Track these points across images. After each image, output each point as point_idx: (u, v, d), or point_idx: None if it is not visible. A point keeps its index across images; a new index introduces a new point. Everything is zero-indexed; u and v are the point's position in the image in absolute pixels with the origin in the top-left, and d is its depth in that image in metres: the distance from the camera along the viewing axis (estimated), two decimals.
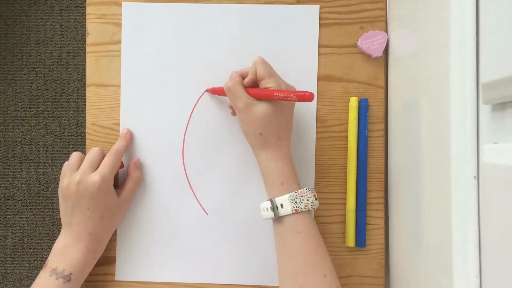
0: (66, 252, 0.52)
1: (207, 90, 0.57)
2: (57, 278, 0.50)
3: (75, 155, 0.54)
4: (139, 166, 0.57)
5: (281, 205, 0.47)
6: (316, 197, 0.49)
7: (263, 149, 0.49)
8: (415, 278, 0.46)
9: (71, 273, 0.50)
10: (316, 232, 0.48)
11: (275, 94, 0.47)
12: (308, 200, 0.47)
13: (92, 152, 0.54)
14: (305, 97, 0.46)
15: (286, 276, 0.46)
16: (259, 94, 0.49)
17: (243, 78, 0.52)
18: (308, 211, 0.47)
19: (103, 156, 0.54)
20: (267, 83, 0.49)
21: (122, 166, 0.57)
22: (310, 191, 0.48)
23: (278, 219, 0.48)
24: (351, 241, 0.56)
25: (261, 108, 0.48)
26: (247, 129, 0.50)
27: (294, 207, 0.46)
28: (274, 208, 0.47)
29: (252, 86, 0.51)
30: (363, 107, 0.56)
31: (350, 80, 0.58)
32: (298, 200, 0.47)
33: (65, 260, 0.51)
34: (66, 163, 0.55)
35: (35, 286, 0.50)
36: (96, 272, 0.58)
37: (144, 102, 0.58)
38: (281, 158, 0.49)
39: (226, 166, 0.58)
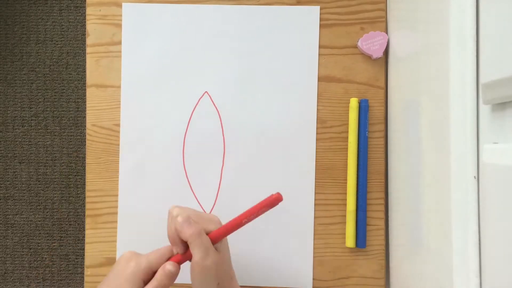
0: None
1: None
2: None
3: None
4: (168, 273, 0.45)
5: None
6: None
7: None
8: (415, 279, 0.46)
9: None
10: None
11: (243, 220, 0.43)
12: None
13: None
14: (274, 200, 0.42)
15: None
16: (225, 233, 0.43)
17: (171, 255, 0.45)
18: None
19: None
20: (209, 227, 0.43)
21: None
22: None
23: None
24: (351, 242, 0.56)
25: (219, 256, 0.43)
26: (207, 282, 0.43)
27: None
28: None
29: (184, 260, 0.44)
30: (364, 108, 0.56)
31: (350, 81, 0.58)
32: None
33: None
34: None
35: None
36: (97, 273, 0.58)
37: (144, 102, 0.58)
38: None
39: (226, 166, 0.58)
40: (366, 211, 0.56)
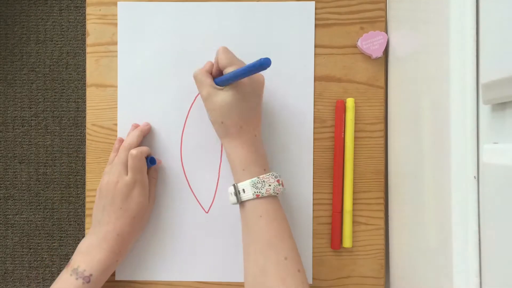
0: (90, 252, 0.51)
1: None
2: (77, 278, 0.49)
3: (122, 154, 0.54)
4: (158, 168, 0.58)
5: (243, 190, 0.48)
6: (281, 183, 0.49)
7: (225, 137, 0.50)
8: (415, 278, 0.46)
9: (91, 274, 0.50)
10: (278, 216, 0.48)
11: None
12: (270, 185, 0.48)
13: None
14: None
15: (249, 258, 0.47)
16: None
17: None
18: (270, 195, 0.48)
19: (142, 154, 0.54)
20: (228, 71, 0.49)
21: (155, 161, 0.56)
22: (273, 177, 0.48)
23: (242, 203, 0.49)
24: (348, 242, 0.56)
25: (222, 96, 0.49)
26: (210, 117, 0.51)
27: (255, 192, 0.47)
28: (236, 193, 0.48)
29: (219, 75, 0.52)
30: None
31: (350, 81, 0.58)
32: (259, 185, 0.47)
33: (87, 260, 0.51)
34: (111, 158, 0.56)
35: (56, 284, 0.50)
36: None
37: (141, 101, 0.58)
38: (243, 145, 0.49)
39: (224, 164, 0.58)
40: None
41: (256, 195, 0.47)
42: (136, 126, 0.58)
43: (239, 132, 0.49)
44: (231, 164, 0.50)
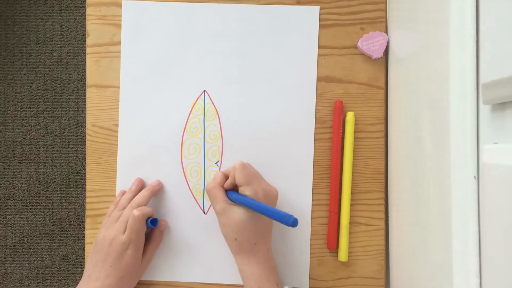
0: None
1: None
2: None
3: (127, 212, 0.54)
4: (163, 230, 0.57)
5: None
6: None
7: (238, 253, 0.50)
8: (416, 279, 0.46)
9: None
10: None
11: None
12: None
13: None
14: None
15: None
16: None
17: (226, 178, 0.52)
18: None
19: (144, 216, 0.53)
20: (245, 191, 0.49)
21: (157, 223, 0.55)
22: None
23: None
24: (343, 256, 0.56)
25: (237, 213, 0.49)
26: (223, 232, 0.51)
27: None
28: None
29: (234, 188, 0.52)
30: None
31: (350, 81, 0.58)
32: None
33: None
34: (110, 210, 0.56)
35: None
36: None
37: (143, 101, 0.58)
38: (257, 262, 0.50)
39: (224, 166, 0.58)
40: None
41: None
42: (140, 181, 0.57)
43: (252, 249, 0.50)
44: (244, 281, 0.50)
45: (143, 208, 0.53)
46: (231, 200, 0.50)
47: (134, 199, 0.55)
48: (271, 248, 0.52)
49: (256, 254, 0.50)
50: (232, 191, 0.51)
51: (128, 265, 0.52)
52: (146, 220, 0.54)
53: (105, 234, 0.52)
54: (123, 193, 0.57)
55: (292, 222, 0.44)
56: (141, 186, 0.57)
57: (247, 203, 0.48)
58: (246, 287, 0.50)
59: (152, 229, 0.56)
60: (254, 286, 0.49)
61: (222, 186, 0.51)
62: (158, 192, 0.57)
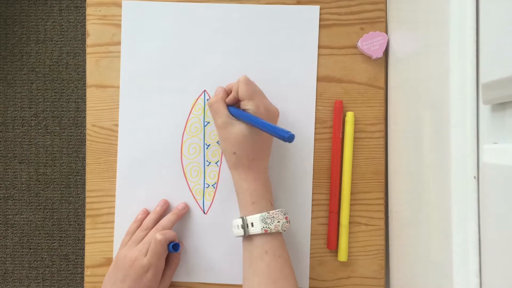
0: None
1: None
2: None
3: (147, 223, 0.55)
4: (179, 256, 0.57)
5: (252, 224, 0.48)
6: (288, 220, 0.49)
7: (236, 168, 0.50)
8: (415, 279, 0.46)
9: None
10: (283, 253, 0.49)
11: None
12: (278, 221, 0.48)
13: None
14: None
15: None
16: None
17: (228, 94, 0.52)
18: (278, 232, 0.48)
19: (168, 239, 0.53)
20: (246, 105, 0.49)
21: (178, 248, 0.54)
22: (282, 213, 0.49)
23: (247, 237, 0.49)
24: (343, 255, 0.56)
25: (237, 128, 0.49)
26: (223, 146, 0.51)
27: (263, 227, 0.47)
28: (244, 226, 0.48)
29: (235, 103, 0.52)
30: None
31: (350, 81, 0.58)
32: (268, 220, 0.48)
33: None
34: (131, 229, 0.56)
35: None
36: (101, 273, 0.58)
37: (143, 100, 0.58)
38: (254, 178, 0.50)
39: (224, 166, 0.58)
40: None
41: (265, 230, 0.47)
42: (165, 202, 0.57)
43: (250, 164, 0.50)
44: (239, 196, 0.51)
45: (167, 232, 0.53)
46: (232, 115, 0.50)
47: (160, 222, 0.55)
48: (267, 167, 0.52)
49: (253, 169, 0.50)
50: (233, 107, 0.51)
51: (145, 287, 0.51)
52: (168, 245, 0.53)
53: (127, 254, 0.52)
54: (146, 212, 0.57)
55: (288, 136, 0.44)
56: (166, 207, 0.57)
57: (248, 118, 0.48)
58: (240, 202, 0.50)
59: (171, 255, 0.56)
60: (249, 200, 0.49)
61: (224, 101, 0.51)
62: (184, 215, 0.57)
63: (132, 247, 0.53)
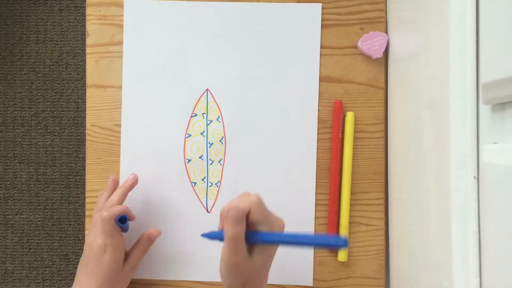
0: None
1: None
2: None
3: (100, 203, 0.53)
4: (154, 238, 0.55)
5: None
6: None
7: None
8: (415, 279, 0.46)
9: None
10: None
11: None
12: None
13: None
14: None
15: None
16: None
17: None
18: None
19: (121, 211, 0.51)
20: (262, 228, 0.42)
21: (125, 221, 0.52)
22: None
23: None
24: (343, 256, 0.56)
25: (255, 265, 0.42)
26: (230, 279, 0.43)
27: None
28: None
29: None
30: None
31: (350, 81, 0.58)
32: None
33: None
34: (100, 200, 0.54)
35: None
36: None
37: (145, 99, 0.58)
38: None
39: (226, 165, 0.58)
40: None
41: None
42: (114, 179, 0.56)
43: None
44: None
45: (113, 208, 0.51)
46: (249, 243, 0.42)
47: (109, 199, 0.53)
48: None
49: None
50: (251, 232, 0.42)
51: (107, 270, 0.50)
52: (116, 220, 0.51)
53: (87, 241, 0.51)
54: (114, 180, 0.56)
55: (342, 242, 0.38)
56: (116, 183, 0.56)
57: (283, 239, 0.41)
58: None
59: (141, 235, 0.55)
60: None
61: (243, 234, 0.41)
62: (133, 187, 0.55)
63: (91, 231, 0.52)
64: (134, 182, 0.55)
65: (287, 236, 0.41)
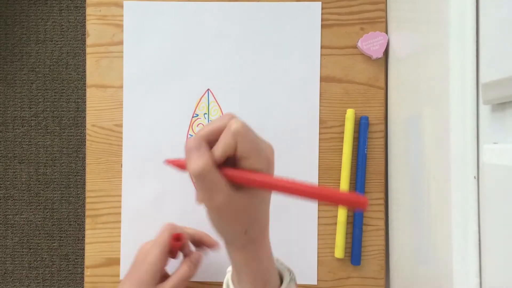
0: None
1: (167, 161, 0.37)
2: None
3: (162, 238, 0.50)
4: (196, 263, 0.51)
5: None
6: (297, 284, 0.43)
7: (244, 248, 0.37)
8: (415, 279, 0.46)
9: None
10: None
11: (294, 191, 0.31)
12: None
13: None
14: (360, 204, 0.29)
15: None
16: (264, 184, 0.32)
17: (211, 145, 0.33)
18: None
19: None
20: (254, 165, 0.32)
21: (181, 240, 0.50)
22: (293, 282, 0.41)
23: None
24: (340, 252, 0.56)
25: (246, 201, 0.34)
26: (225, 228, 0.36)
27: None
28: None
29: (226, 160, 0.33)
30: (363, 125, 0.56)
31: (350, 81, 0.58)
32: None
33: None
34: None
35: None
36: (101, 273, 0.58)
37: (146, 100, 0.58)
38: (266, 253, 0.38)
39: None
40: (361, 228, 0.56)
41: None
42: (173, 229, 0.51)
43: (262, 236, 0.38)
44: (246, 277, 0.38)
45: (175, 225, 0.51)
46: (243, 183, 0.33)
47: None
48: (268, 235, 0.40)
49: (264, 241, 0.38)
50: (232, 169, 0.33)
51: (139, 281, 0.46)
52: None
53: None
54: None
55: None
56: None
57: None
58: (246, 285, 0.38)
59: (184, 260, 0.52)
60: (259, 282, 0.38)
61: (217, 167, 0.32)
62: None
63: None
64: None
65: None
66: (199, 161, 0.31)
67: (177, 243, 0.50)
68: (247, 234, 0.35)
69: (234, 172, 0.32)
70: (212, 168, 0.31)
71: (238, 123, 0.32)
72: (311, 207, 0.57)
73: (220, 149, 0.32)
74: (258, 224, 0.36)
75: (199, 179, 0.32)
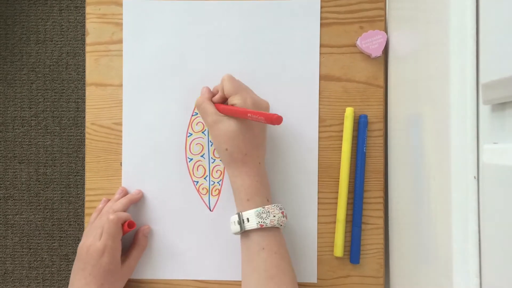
0: None
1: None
2: None
3: (104, 217, 0.54)
4: (147, 235, 0.58)
5: (247, 219, 0.48)
6: (285, 214, 0.49)
7: (230, 165, 0.50)
8: (415, 278, 0.46)
9: None
10: (281, 248, 0.48)
11: (248, 115, 0.47)
12: (274, 216, 0.48)
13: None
14: (273, 119, 0.44)
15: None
16: (227, 110, 0.50)
17: (214, 94, 0.53)
18: (274, 227, 0.48)
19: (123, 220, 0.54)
20: (233, 100, 0.49)
21: (134, 226, 0.56)
22: (278, 208, 0.49)
23: (245, 233, 0.49)
24: (339, 251, 0.56)
25: (227, 123, 0.49)
26: (215, 144, 0.51)
27: (259, 222, 0.47)
28: (240, 222, 0.48)
29: (222, 102, 0.52)
30: (362, 124, 0.56)
31: (349, 80, 0.58)
32: (264, 215, 0.48)
33: None
34: (92, 218, 0.56)
35: None
36: None
37: (146, 99, 0.58)
38: (248, 174, 0.49)
39: None
40: (360, 227, 0.56)
41: (260, 225, 0.47)
42: (123, 190, 0.58)
43: (243, 159, 0.49)
44: (234, 193, 0.51)
45: (119, 213, 0.53)
46: (221, 112, 0.50)
47: (112, 205, 0.55)
48: (263, 163, 0.52)
49: (247, 164, 0.50)
50: (220, 104, 0.52)
51: (106, 271, 0.51)
52: (122, 225, 0.54)
53: (84, 243, 0.52)
54: (106, 201, 0.57)
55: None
56: (124, 194, 0.58)
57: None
58: (236, 199, 0.50)
59: (136, 234, 0.56)
60: (243, 197, 0.49)
61: (211, 100, 0.52)
62: (137, 200, 0.57)
63: (89, 234, 0.53)
64: (140, 197, 0.57)
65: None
66: (200, 97, 0.53)
67: (130, 229, 0.55)
68: (228, 151, 0.50)
69: (219, 105, 0.51)
70: (205, 100, 0.52)
71: (226, 74, 0.52)
72: (311, 206, 0.57)
73: (213, 89, 0.54)
74: (236, 146, 0.49)
75: (198, 107, 0.53)
